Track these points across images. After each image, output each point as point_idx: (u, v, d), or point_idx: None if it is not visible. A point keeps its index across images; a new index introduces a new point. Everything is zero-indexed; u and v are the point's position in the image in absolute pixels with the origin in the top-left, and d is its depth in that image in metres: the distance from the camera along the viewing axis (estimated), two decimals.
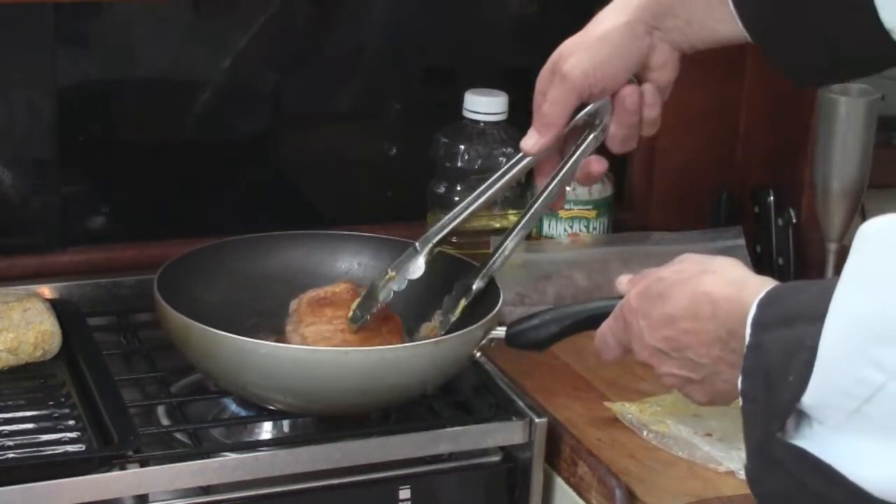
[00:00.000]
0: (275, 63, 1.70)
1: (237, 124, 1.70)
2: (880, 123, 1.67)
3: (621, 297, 1.20)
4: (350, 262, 1.52)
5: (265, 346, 1.29)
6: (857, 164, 1.65)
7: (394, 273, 1.35)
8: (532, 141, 1.30)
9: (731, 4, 1.23)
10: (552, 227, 1.69)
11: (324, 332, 1.35)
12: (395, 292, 1.35)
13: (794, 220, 1.77)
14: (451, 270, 1.42)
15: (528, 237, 1.68)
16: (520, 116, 1.65)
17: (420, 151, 1.68)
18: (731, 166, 1.83)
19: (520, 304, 1.56)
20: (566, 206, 1.67)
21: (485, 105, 1.63)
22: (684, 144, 1.80)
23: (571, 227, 1.68)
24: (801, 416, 0.96)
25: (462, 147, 1.64)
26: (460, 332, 1.32)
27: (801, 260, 1.76)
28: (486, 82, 1.67)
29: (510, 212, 1.66)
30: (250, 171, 1.70)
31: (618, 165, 1.72)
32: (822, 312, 0.93)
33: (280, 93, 1.71)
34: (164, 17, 1.63)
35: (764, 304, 0.99)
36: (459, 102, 1.64)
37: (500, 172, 1.35)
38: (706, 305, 1.07)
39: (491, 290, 1.39)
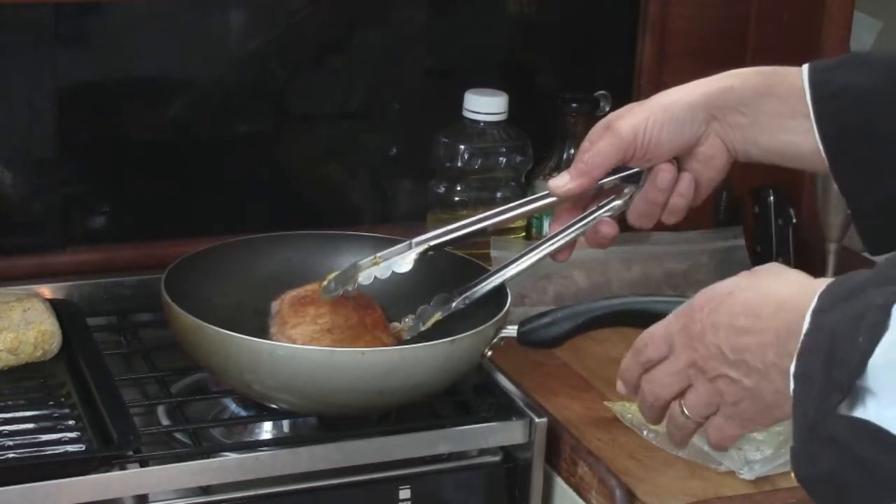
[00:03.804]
0: (275, 63, 1.70)
1: (237, 124, 1.70)
2: None
3: (629, 294, 1.19)
4: (350, 262, 1.52)
5: (282, 348, 1.30)
6: None
7: (380, 260, 1.35)
8: (562, 183, 1.28)
9: (812, 117, 1.21)
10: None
11: (311, 333, 1.36)
12: (376, 278, 1.35)
13: (794, 220, 1.77)
14: (443, 268, 1.43)
15: (528, 237, 1.69)
16: (520, 116, 1.66)
17: (420, 151, 1.68)
18: (732, 166, 1.83)
19: (520, 304, 1.56)
20: None
21: (485, 105, 1.63)
22: None
23: None
24: (855, 398, 0.94)
25: (462, 147, 1.64)
26: (473, 331, 1.32)
27: (801, 260, 1.75)
28: (486, 82, 1.67)
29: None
30: (250, 171, 1.70)
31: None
32: (893, 275, 0.92)
33: (280, 93, 1.71)
34: (164, 17, 1.63)
35: (825, 292, 0.97)
36: (459, 102, 1.64)
37: (518, 202, 1.35)
38: (770, 304, 1.02)
39: (497, 288, 1.39)
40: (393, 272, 1.35)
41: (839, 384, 0.93)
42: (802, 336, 0.96)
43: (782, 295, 1.02)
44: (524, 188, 1.67)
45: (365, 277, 1.35)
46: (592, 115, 1.65)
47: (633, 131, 1.25)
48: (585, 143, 1.28)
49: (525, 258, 1.36)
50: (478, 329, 1.32)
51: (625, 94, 1.73)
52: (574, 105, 1.69)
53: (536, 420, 1.35)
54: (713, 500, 1.29)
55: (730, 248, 1.70)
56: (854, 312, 0.93)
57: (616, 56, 1.83)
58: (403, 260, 1.35)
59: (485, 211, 1.35)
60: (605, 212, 1.30)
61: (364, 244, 1.52)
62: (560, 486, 1.37)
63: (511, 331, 1.34)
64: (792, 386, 0.97)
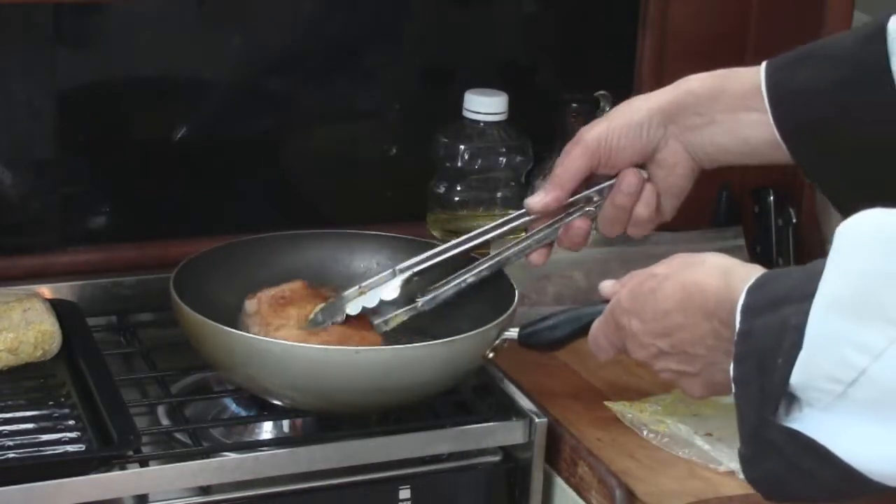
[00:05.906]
0: (275, 63, 1.70)
1: (236, 124, 1.70)
2: None
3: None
4: (349, 261, 1.52)
5: (278, 345, 1.30)
6: None
7: (366, 289, 1.38)
8: (538, 199, 1.34)
9: (769, 111, 1.23)
10: None
11: (297, 336, 1.36)
12: (364, 308, 1.38)
13: (794, 220, 1.77)
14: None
15: None
16: (520, 116, 1.66)
17: (420, 151, 1.68)
18: (732, 166, 1.83)
19: (520, 304, 1.56)
20: None
21: (485, 105, 1.63)
22: None
23: None
24: (794, 399, 0.98)
25: (462, 147, 1.64)
26: (473, 332, 1.32)
27: (801, 260, 1.75)
28: (486, 82, 1.67)
29: (510, 211, 1.65)
30: (250, 171, 1.70)
31: None
32: (808, 293, 0.95)
33: (280, 93, 1.71)
34: (164, 17, 1.63)
35: (752, 290, 1.01)
36: (459, 102, 1.64)
37: (498, 222, 1.40)
38: (696, 297, 1.09)
39: (505, 289, 1.40)
40: (381, 300, 1.38)
41: (770, 395, 0.97)
42: (736, 336, 1.00)
43: (706, 285, 1.08)
44: (524, 188, 1.66)
45: (353, 309, 1.38)
46: (592, 115, 1.65)
47: (597, 140, 1.30)
48: (559, 158, 1.33)
49: (494, 259, 1.40)
50: (478, 330, 1.33)
51: (625, 94, 1.71)
52: (574, 105, 1.69)
53: (536, 420, 1.35)
54: (713, 500, 1.29)
55: (730, 248, 1.69)
56: (776, 326, 0.97)
57: (616, 56, 1.83)
58: (390, 286, 1.38)
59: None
60: (576, 216, 1.35)
61: (366, 244, 1.52)
62: (560, 486, 1.37)
63: (512, 333, 1.34)
64: (733, 389, 1.00)
